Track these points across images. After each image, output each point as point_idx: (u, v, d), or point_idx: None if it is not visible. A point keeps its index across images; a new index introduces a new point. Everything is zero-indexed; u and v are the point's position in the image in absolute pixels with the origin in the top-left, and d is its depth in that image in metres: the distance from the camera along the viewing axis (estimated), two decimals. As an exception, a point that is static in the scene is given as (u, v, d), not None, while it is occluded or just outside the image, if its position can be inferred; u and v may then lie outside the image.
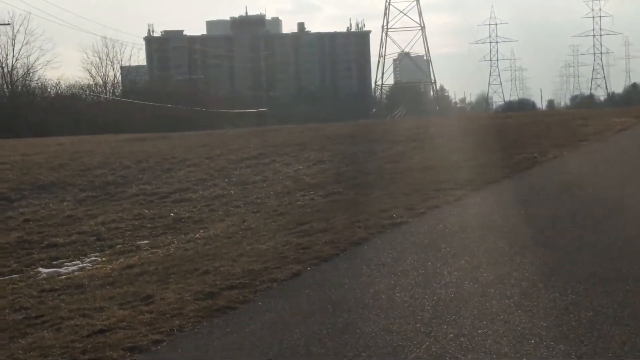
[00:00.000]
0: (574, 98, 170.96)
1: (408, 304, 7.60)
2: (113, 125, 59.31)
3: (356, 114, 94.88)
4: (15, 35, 76.47)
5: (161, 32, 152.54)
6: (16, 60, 75.32)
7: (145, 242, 13.96)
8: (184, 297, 8.51)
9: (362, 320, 7.21)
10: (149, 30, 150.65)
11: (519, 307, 7.27)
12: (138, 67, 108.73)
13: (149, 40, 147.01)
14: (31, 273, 12.42)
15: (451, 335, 6.60)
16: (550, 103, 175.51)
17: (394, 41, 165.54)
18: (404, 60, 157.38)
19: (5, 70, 74.20)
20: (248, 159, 23.31)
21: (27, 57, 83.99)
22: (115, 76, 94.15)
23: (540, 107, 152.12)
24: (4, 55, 74.49)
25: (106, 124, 60.26)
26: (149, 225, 15.67)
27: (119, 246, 13.96)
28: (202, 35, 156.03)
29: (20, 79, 75.41)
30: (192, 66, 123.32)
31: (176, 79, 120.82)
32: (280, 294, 8.45)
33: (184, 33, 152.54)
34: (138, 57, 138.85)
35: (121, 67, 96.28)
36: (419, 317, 7.15)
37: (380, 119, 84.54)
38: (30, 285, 11.07)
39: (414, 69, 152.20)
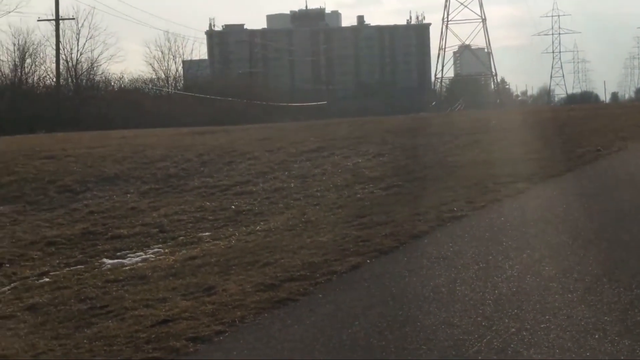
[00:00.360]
0: (638, 90, 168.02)
1: (469, 298, 7.56)
2: (175, 118, 59.93)
3: (415, 107, 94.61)
4: (79, 30, 77.72)
5: (222, 26, 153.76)
6: (80, 54, 76.59)
7: (207, 234, 14.09)
8: (245, 289, 8.58)
9: (423, 313, 7.20)
10: (210, 24, 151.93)
11: (582, 302, 7.19)
12: (200, 61, 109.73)
13: (210, 34, 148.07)
14: (96, 264, 12.63)
15: (513, 330, 6.56)
16: (614, 95, 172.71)
17: (454, 34, 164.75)
18: (464, 52, 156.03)
19: (70, 64, 75.45)
20: (308, 152, 23.36)
21: (91, 51, 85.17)
22: (177, 70, 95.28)
23: (604, 99, 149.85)
24: (69, 50, 75.77)
25: (168, 117, 60.92)
26: (211, 217, 15.80)
27: (181, 238, 14.11)
28: (263, 29, 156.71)
29: (85, 73, 76.64)
30: (253, 60, 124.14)
31: (237, 72, 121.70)
32: (340, 286, 8.47)
33: (245, 27, 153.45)
34: (200, 51, 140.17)
35: (183, 61, 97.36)
36: (480, 311, 7.11)
37: (439, 112, 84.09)
38: (95, 275, 11.26)
39: (474, 61, 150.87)
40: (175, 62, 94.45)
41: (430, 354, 6.17)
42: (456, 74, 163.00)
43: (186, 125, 46.58)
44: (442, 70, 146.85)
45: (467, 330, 6.63)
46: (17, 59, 72.14)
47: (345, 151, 23.05)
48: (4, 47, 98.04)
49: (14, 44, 74.12)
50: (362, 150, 22.92)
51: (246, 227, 14.04)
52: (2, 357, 7.33)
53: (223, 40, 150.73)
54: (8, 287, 11.77)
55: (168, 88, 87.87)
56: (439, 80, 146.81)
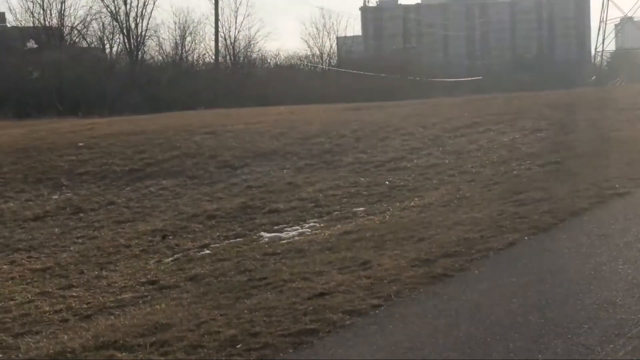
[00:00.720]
0: None
1: (632, 277, 7.33)
2: (329, 94, 60.38)
3: (574, 82, 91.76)
4: (237, 8, 79.96)
5: (376, 2, 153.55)
6: (238, 32, 78.63)
7: (361, 209, 14.18)
8: (400, 264, 8.60)
9: (583, 291, 7.03)
10: (364, 0, 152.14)
11: None
12: (353, 37, 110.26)
13: (365, 10, 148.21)
14: (254, 237, 12.95)
15: (679, 311, 6.32)
16: None
17: (616, 5, 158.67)
18: (626, 25, 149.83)
19: (228, 42, 77.42)
20: (462, 128, 23.09)
21: (249, 29, 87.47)
22: (331, 46, 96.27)
23: None
24: (227, 28, 77.81)
25: (323, 94, 61.44)
26: (365, 192, 15.90)
27: (336, 213, 14.26)
28: (417, 4, 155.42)
29: (242, 50, 78.47)
30: (406, 35, 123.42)
31: (390, 48, 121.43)
32: (496, 263, 8.37)
33: (399, 3, 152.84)
34: (354, 27, 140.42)
35: (337, 38, 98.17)
36: (644, 291, 6.88)
37: (600, 87, 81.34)
38: (253, 248, 11.54)
39: (637, 34, 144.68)
40: (329, 39, 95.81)
41: (591, 333, 6.02)
42: (618, 47, 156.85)
43: (340, 102, 46.87)
44: (603, 43, 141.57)
45: (629, 309, 6.44)
46: (178, 37, 74.74)
47: (502, 127, 22.65)
48: (166, 26, 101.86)
49: (175, 23, 77.02)
50: (519, 126, 22.46)
51: (400, 203, 14.06)
52: (166, 325, 7.61)
53: (377, 16, 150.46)
54: (171, 259, 12.25)
55: (322, 64, 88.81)
56: (600, 54, 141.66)
